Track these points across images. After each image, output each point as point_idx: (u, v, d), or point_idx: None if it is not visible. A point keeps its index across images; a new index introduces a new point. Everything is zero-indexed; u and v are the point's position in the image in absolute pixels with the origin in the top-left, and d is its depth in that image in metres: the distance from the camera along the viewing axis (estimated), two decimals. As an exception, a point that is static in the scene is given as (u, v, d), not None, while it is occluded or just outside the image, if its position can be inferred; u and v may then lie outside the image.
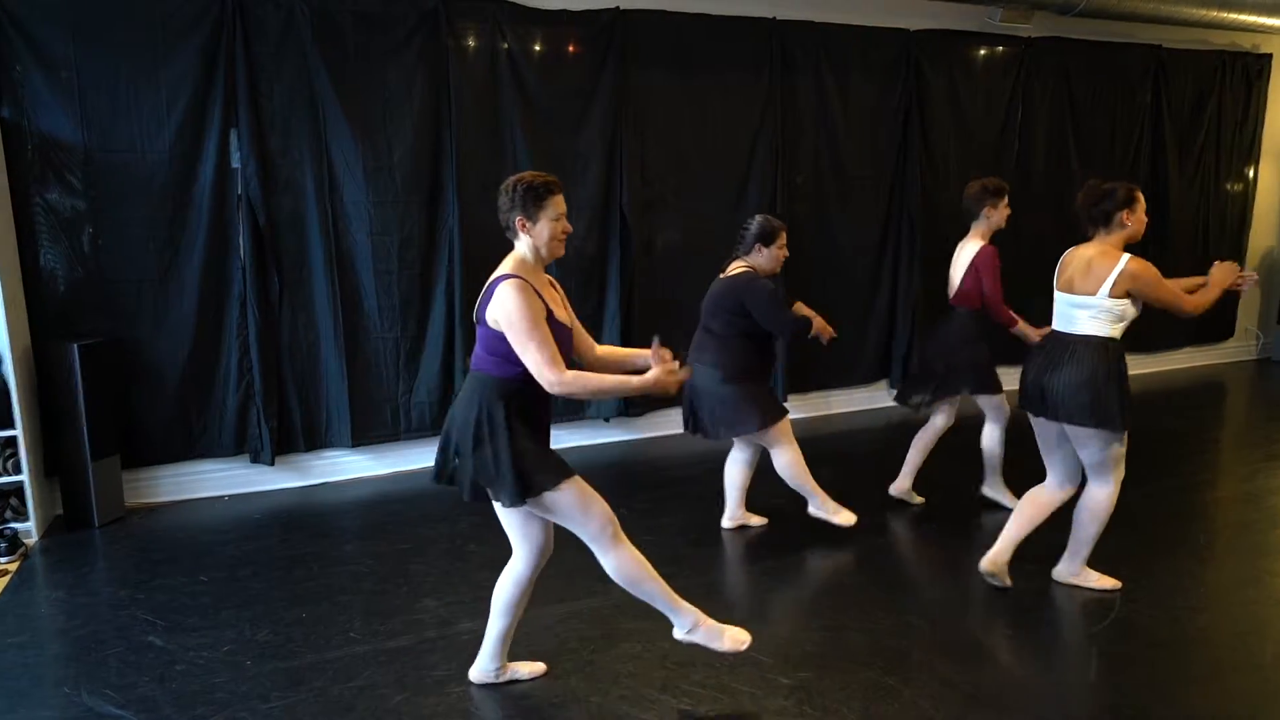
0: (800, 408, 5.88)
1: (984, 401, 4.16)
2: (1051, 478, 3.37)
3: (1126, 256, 3.06)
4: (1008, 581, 3.37)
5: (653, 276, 5.33)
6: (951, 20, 5.94)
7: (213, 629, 3.17)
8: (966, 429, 4.43)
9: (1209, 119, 7.05)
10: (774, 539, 3.94)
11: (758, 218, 3.75)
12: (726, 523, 4.04)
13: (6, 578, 3.64)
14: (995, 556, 3.35)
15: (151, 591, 3.48)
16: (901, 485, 4.34)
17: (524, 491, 2.44)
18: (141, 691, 2.78)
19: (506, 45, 4.82)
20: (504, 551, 3.77)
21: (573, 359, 2.58)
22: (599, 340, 5.21)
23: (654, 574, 2.62)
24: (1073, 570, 3.40)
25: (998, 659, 2.93)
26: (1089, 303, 3.09)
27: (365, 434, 4.78)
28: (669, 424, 5.49)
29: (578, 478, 2.53)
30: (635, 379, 2.42)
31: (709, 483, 4.31)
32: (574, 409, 5.25)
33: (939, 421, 4.28)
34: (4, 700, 2.77)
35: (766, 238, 3.68)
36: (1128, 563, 3.80)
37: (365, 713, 2.65)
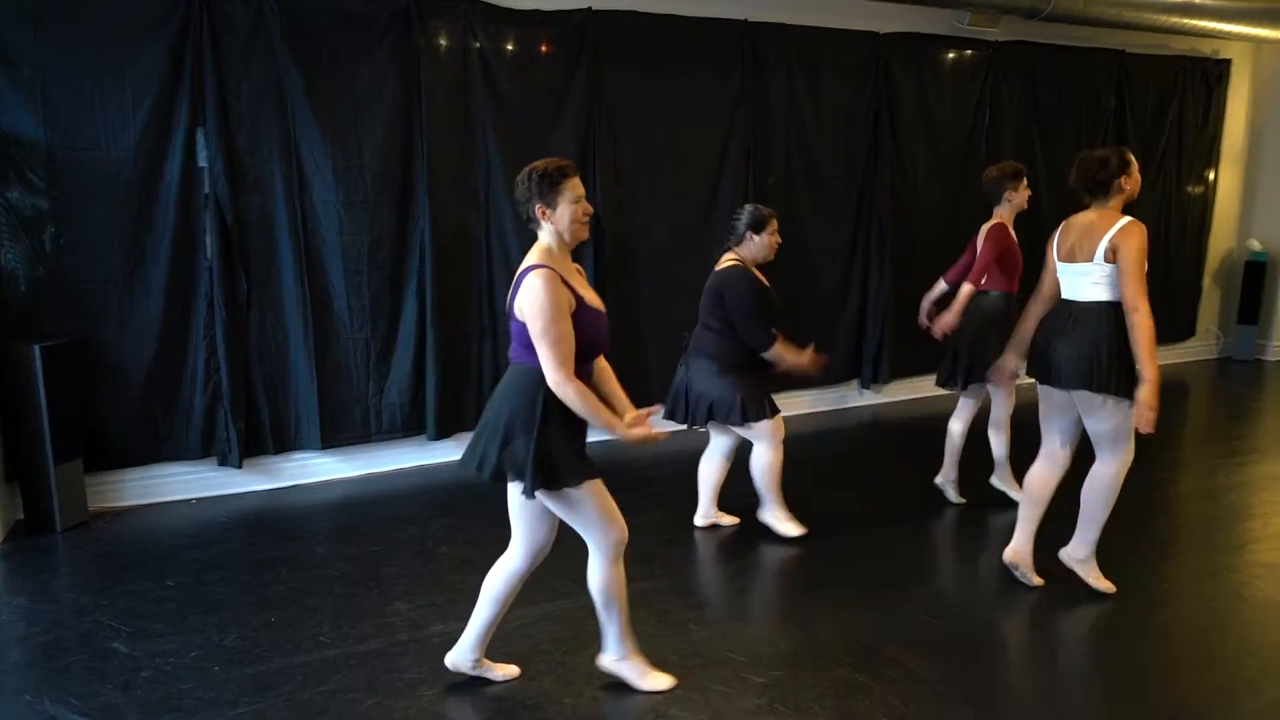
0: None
1: (993, 390, 4.20)
2: (1043, 449, 3.35)
3: (1127, 218, 3.05)
4: (1035, 579, 3.36)
5: (626, 275, 5.34)
6: (920, 23, 6.00)
7: (179, 635, 3.12)
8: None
9: (1170, 123, 7.19)
10: (746, 538, 3.96)
11: (748, 207, 3.79)
12: (699, 520, 4.06)
13: (-35, 584, 3.56)
14: (1017, 547, 3.38)
15: (116, 597, 3.42)
16: (947, 476, 4.40)
17: (546, 484, 2.44)
18: (105, 699, 2.74)
19: (479, 45, 4.80)
20: (476, 552, 3.77)
21: (607, 338, 2.59)
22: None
23: (626, 599, 2.69)
24: (1079, 554, 3.34)
25: (966, 655, 2.97)
26: (1088, 269, 3.09)
27: (335, 436, 4.73)
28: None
29: (600, 482, 2.55)
30: (619, 423, 2.47)
31: (680, 483, 4.32)
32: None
33: (970, 406, 4.32)
34: (-37, 710, 2.71)
35: (757, 225, 3.70)
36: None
37: (336, 717, 2.63)
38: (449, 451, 5.08)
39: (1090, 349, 3.06)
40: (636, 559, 3.70)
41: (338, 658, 2.97)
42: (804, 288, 5.80)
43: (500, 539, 3.91)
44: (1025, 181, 4.18)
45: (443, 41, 4.73)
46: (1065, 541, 3.40)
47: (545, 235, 2.52)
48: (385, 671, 2.88)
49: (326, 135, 4.47)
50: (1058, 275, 3.25)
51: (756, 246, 3.72)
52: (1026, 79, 6.48)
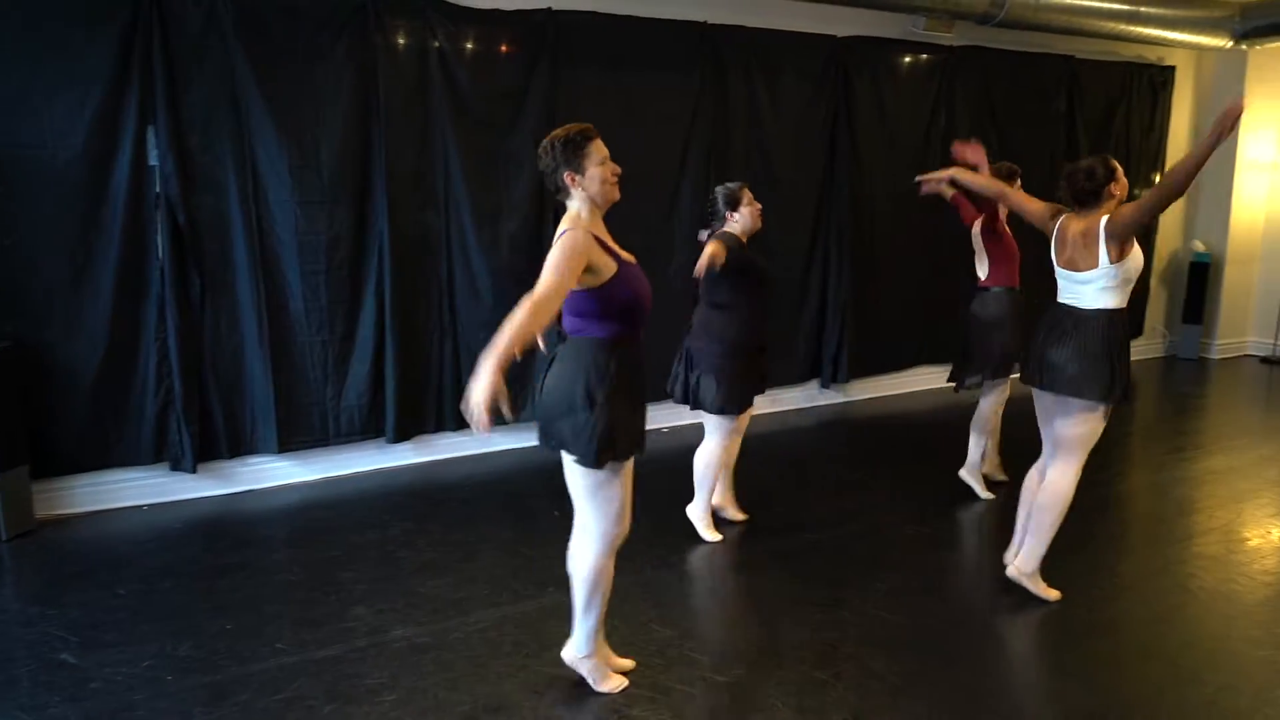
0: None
1: (988, 384, 4.31)
2: (1046, 454, 3.41)
3: (1104, 220, 3.08)
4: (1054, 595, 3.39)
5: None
6: (877, 28, 6.08)
7: (131, 644, 3.05)
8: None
9: (1118, 127, 7.38)
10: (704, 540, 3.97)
11: (718, 189, 3.83)
12: (714, 499, 4.06)
13: (-96, 596, 3.45)
14: (1012, 554, 3.43)
15: (65, 607, 3.33)
16: (992, 463, 4.52)
17: (603, 454, 2.42)
18: (54, 712, 2.67)
19: (438, 44, 4.76)
20: (437, 556, 3.75)
21: (649, 302, 2.55)
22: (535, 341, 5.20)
23: (609, 597, 2.68)
24: (1028, 568, 3.35)
25: (923, 651, 3.02)
26: (1093, 276, 3.12)
27: (292, 439, 4.66)
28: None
29: (629, 470, 2.54)
30: (497, 364, 2.25)
31: (643, 484, 4.32)
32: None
33: (991, 399, 4.36)
34: (-98, 726, 2.62)
35: (733, 203, 3.75)
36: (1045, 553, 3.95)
37: (293, 725, 2.60)
38: (409, 454, 5.03)
39: (1089, 356, 3.10)
40: (599, 560, 3.71)
41: (295, 665, 2.92)
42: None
43: (462, 542, 3.90)
44: (1019, 182, 4.25)
45: (401, 40, 4.69)
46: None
47: (575, 202, 2.48)
48: (344, 678, 2.85)
49: (281, 133, 4.40)
50: (1056, 278, 3.28)
51: (742, 220, 3.75)
52: (981, 83, 6.60)
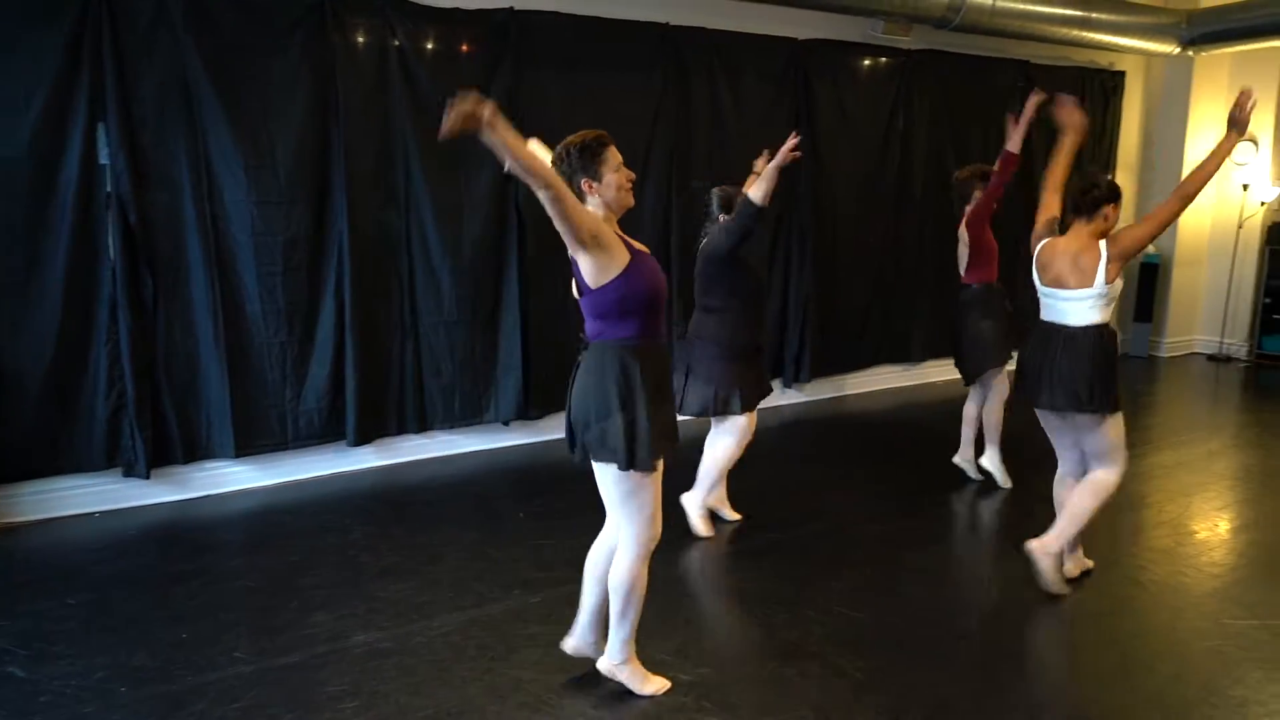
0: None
1: (985, 377, 4.44)
2: (1062, 465, 3.50)
3: (1104, 245, 3.18)
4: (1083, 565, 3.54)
5: (550, 277, 5.31)
6: (837, 31, 6.15)
7: (83, 655, 2.98)
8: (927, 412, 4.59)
9: (1072, 130, 7.53)
10: (674, 538, 3.98)
11: (715, 190, 3.92)
12: (698, 503, 4.11)
13: None
14: (1074, 563, 3.50)
15: (13, 618, 3.23)
16: (965, 454, 4.65)
17: (632, 461, 2.43)
18: (1, 726, 2.60)
19: (397, 43, 4.71)
20: (399, 560, 3.71)
21: (665, 292, 2.56)
22: (498, 341, 5.17)
23: (643, 602, 2.67)
24: (1051, 546, 3.37)
25: (886, 647, 3.06)
26: (1084, 294, 3.19)
27: (250, 443, 4.57)
28: (568, 426, 5.48)
29: (658, 472, 2.54)
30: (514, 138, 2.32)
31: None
32: (472, 410, 5.18)
33: (998, 390, 4.49)
34: None
35: (727, 206, 3.83)
36: (1003, 549, 4.03)
37: (252, 735, 2.55)
38: (370, 457, 4.97)
39: (1080, 372, 3.18)
40: (563, 561, 3.70)
41: (254, 673, 2.87)
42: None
43: (425, 545, 3.87)
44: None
45: (360, 38, 4.63)
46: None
47: (590, 209, 2.50)
48: (304, 685, 2.80)
49: (236, 132, 4.32)
50: (1041, 299, 3.36)
51: None
52: (938, 86, 6.70)
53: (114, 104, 4.05)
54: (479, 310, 5.11)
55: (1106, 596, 3.47)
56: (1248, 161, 7.70)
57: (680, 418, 2.76)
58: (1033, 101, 4.01)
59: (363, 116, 4.65)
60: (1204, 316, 8.31)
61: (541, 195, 2.27)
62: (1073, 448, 3.45)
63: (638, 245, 2.55)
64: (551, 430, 5.49)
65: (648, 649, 2.91)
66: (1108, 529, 4.16)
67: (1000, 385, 4.48)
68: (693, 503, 4.00)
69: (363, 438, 4.84)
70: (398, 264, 4.89)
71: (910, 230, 6.78)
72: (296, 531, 4.07)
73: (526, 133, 5.48)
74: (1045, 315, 3.36)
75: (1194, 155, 7.94)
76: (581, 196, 2.48)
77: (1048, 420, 3.45)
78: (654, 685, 2.75)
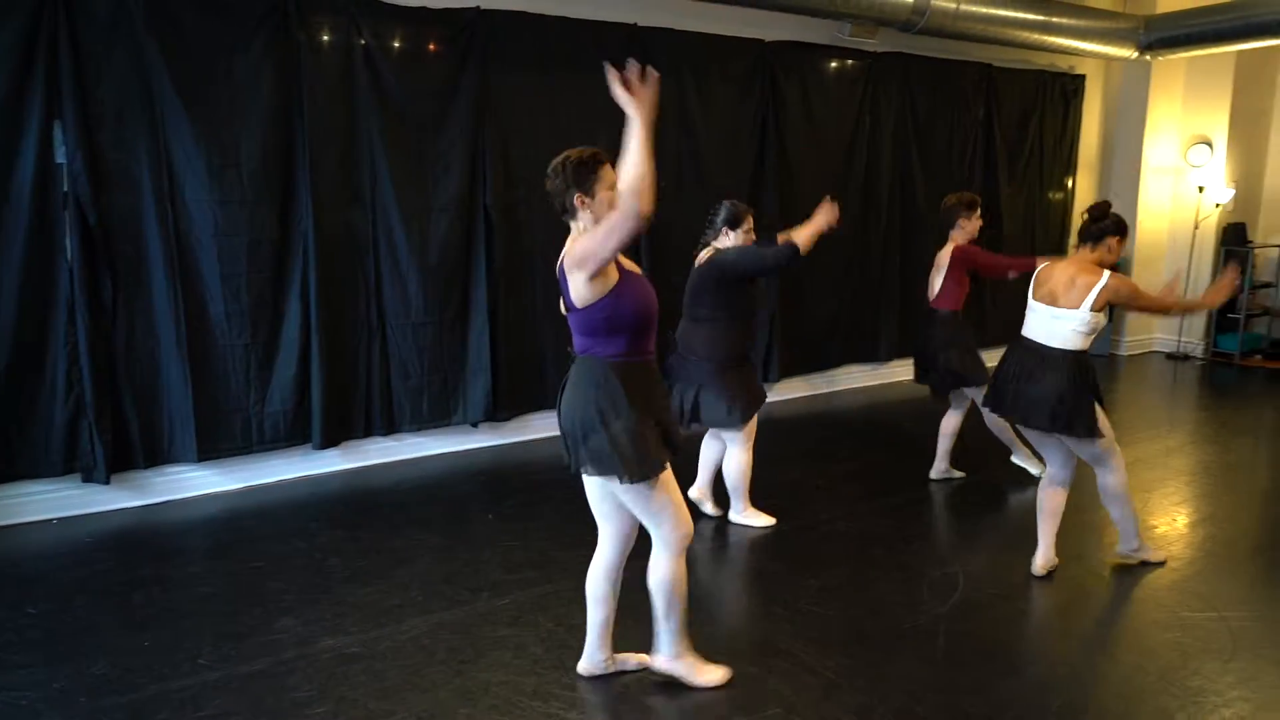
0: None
1: (972, 393, 4.53)
2: (1051, 467, 3.59)
3: (1108, 273, 3.28)
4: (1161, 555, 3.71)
5: (519, 278, 5.30)
6: (804, 33, 6.19)
7: (42, 665, 2.91)
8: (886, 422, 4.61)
9: (1033, 133, 7.67)
10: (642, 538, 3.99)
11: (725, 203, 3.95)
12: (693, 493, 4.20)
13: None
14: (1045, 560, 3.58)
15: (-34, 628, 3.16)
16: (939, 467, 4.75)
17: (634, 474, 2.43)
18: (-45, 740, 2.53)
19: (363, 42, 4.66)
20: (368, 563, 3.68)
21: (655, 311, 2.56)
22: (466, 342, 5.14)
23: (687, 596, 2.70)
24: (1131, 545, 3.65)
25: (856, 644, 3.09)
26: (1071, 315, 3.29)
27: (213, 447, 4.50)
28: (537, 428, 5.47)
29: (670, 474, 2.55)
30: (644, 117, 2.23)
31: (579, 486, 4.32)
32: (440, 413, 5.14)
33: (960, 407, 4.66)
34: None
35: (733, 222, 3.86)
36: (968, 545, 4.09)
37: (217, 743, 2.51)
38: (337, 460, 4.92)
39: (1058, 395, 3.28)
40: (533, 563, 3.69)
41: (219, 680, 2.83)
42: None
43: (393, 548, 3.83)
44: (979, 212, 4.53)
45: (324, 37, 4.58)
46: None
47: (580, 226, 2.50)
48: (271, 692, 2.77)
49: (198, 131, 4.25)
50: (1027, 310, 3.45)
51: (731, 241, 3.86)
52: (904, 88, 6.78)
53: (71, 102, 3.97)
54: (447, 311, 5.08)
55: (1070, 590, 3.54)
56: (1203, 164, 7.89)
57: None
58: None
59: (328, 116, 4.60)
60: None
61: (629, 203, 2.22)
62: (1057, 451, 3.54)
63: (628, 265, 2.56)
64: (520, 432, 5.47)
65: (618, 649, 2.91)
66: (1072, 525, 4.23)
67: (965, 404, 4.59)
68: (740, 515, 4.12)
69: (329, 441, 4.79)
70: (364, 265, 4.84)
71: (876, 231, 6.86)
72: (261, 536, 4.01)
73: (493, 132, 5.47)
74: (1027, 331, 3.45)
75: (1152, 160, 8.12)
76: (572, 211, 2.49)
77: (1029, 431, 3.54)
78: (712, 675, 2.78)
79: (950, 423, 4.71)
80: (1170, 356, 8.26)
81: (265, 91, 4.42)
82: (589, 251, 2.35)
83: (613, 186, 2.47)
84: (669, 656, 2.77)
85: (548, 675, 2.86)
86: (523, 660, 2.95)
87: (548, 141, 5.27)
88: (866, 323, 6.93)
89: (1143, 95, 8.00)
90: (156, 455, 4.41)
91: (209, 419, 4.46)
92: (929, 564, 3.73)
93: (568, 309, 2.50)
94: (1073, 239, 8.18)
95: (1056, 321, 3.34)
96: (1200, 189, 7.87)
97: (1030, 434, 3.57)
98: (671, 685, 2.81)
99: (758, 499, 4.17)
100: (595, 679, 2.83)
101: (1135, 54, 7.24)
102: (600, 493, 2.63)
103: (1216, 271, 8.00)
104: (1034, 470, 4.70)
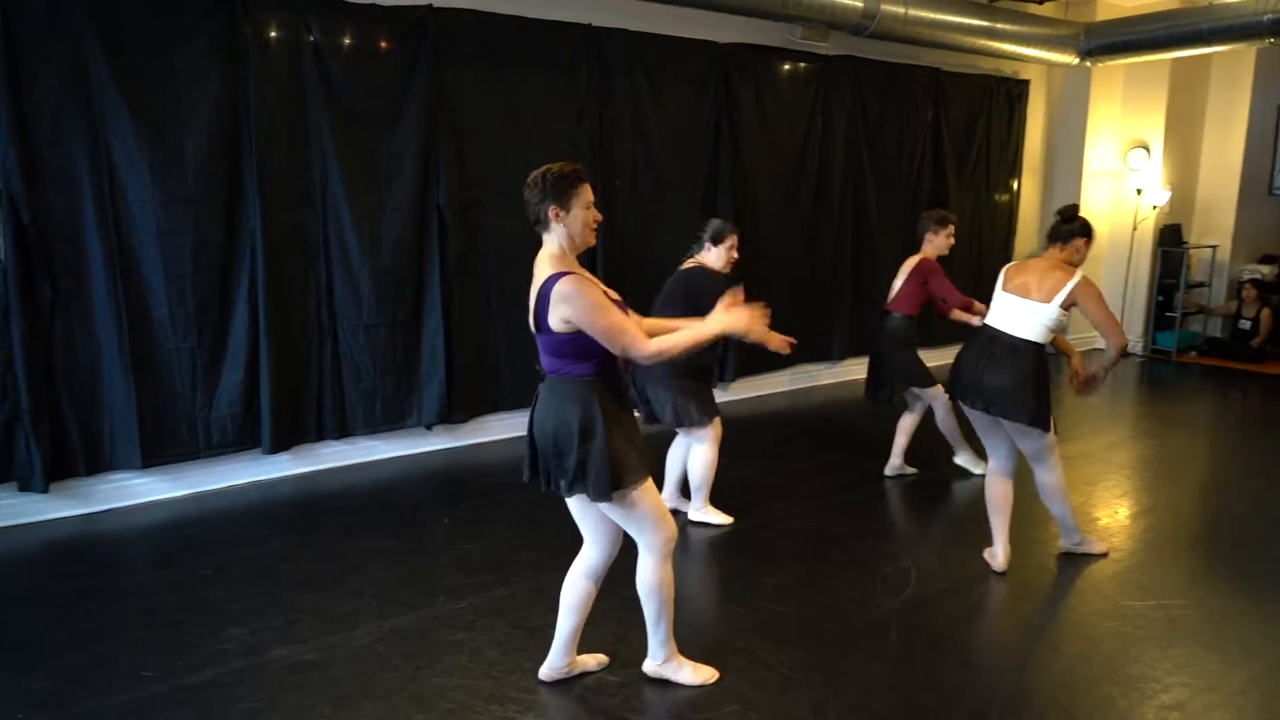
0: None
1: (922, 394, 4.63)
2: (994, 460, 3.66)
3: (1081, 274, 3.39)
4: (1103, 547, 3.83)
5: (473, 278, 5.25)
6: (757, 35, 6.25)
7: (-25, 681, 2.81)
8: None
9: (980, 136, 7.84)
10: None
11: (714, 220, 4.09)
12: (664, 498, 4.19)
13: None
14: (1005, 555, 3.65)
15: (-105, 645, 3.03)
16: (893, 464, 4.83)
17: (614, 486, 2.44)
18: (-117, 761, 2.43)
19: (312, 38, 4.58)
20: (319, 569, 3.61)
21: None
22: (420, 344, 5.08)
23: (674, 599, 2.72)
24: (1073, 540, 3.78)
25: (811, 640, 3.12)
26: (1041, 309, 3.37)
27: (158, 453, 4.39)
28: (492, 430, 5.43)
29: (650, 480, 2.55)
30: (711, 322, 2.44)
31: (536, 489, 4.30)
32: (394, 415, 5.08)
33: (917, 407, 4.76)
34: None
35: (716, 238, 3.98)
36: (921, 541, 4.16)
37: (163, 757, 2.45)
38: (288, 465, 4.83)
39: (1021, 382, 3.35)
40: (489, 566, 3.67)
41: (164, 693, 2.76)
42: (651, 289, 5.88)
43: (346, 554, 3.77)
44: (950, 229, 4.62)
45: (272, 33, 4.49)
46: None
47: (553, 239, 2.49)
48: (219, 703, 2.70)
49: (140, 128, 4.14)
50: (995, 301, 3.53)
51: (714, 257, 3.99)
52: (855, 91, 6.88)
53: (4, 96, 3.84)
54: (400, 312, 5.02)
55: (1018, 583, 3.62)
56: (1141, 167, 8.14)
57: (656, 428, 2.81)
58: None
59: (276, 114, 4.51)
60: (1103, 314, 8.74)
61: (638, 349, 2.42)
62: (1002, 444, 3.62)
63: (600, 287, 2.54)
64: (476, 434, 5.43)
65: (579, 650, 2.90)
66: (1018, 519, 4.33)
67: (941, 397, 4.62)
68: (699, 513, 4.16)
69: (279, 445, 4.70)
70: (315, 266, 4.76)
71: (829, 231, 6.95)
72: (209, 544, 3.92)
73: (446, 131, 5.42)
74: (994, 321, 3.52)
75: (1092, 164, 8.35)
76: (546, 223, 2.48)
77: (979, 420, 3.60)
78: (701, 676, 2.80)
79: (908, 421, 4.80)
80: (1111, 354, 8.50)
81: (211, 89, 4.32)
82: (582, 319, 2.37)
83: (589, 206, 2.50)
84: (660, 660, 2.80)
85: (505, 679, 2.84)
86: (479, 664, 2.92)
87: (502, 141, 5.26)
88: (820, 322, 7.01)
89: (1084, 100, 8.23)
90: (98, 462, 4.28)
91: (153, 424, 4.34)
92: (883, 560, 3.79)
93: (538, 329, 2.48)
94: (1018, 241, 8.41)
95: (1026, 313, 3.42)
96: (1139, 191, 8.12)
97: (979, 424, 3.63)
98: (627, 685, 2.81)
99: (715, 498, 4.20)
100: (555, 682, 2.82)
101: (1076, 60, 7.45)
102: (583, 507, 2.63)
103: (1154, 271, 8.27)
104: (976, 470, 4.79)
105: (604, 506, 2.55)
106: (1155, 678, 2.90)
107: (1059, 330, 3.47)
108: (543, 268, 2.47)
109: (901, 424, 4.82)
